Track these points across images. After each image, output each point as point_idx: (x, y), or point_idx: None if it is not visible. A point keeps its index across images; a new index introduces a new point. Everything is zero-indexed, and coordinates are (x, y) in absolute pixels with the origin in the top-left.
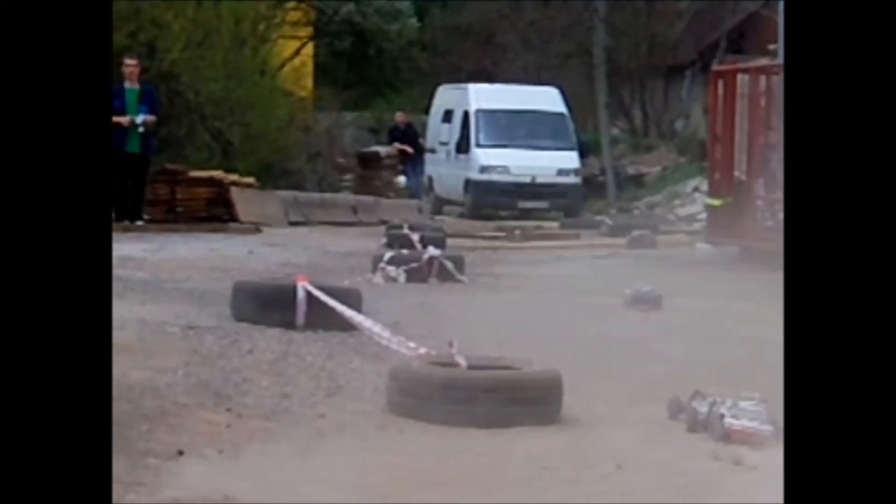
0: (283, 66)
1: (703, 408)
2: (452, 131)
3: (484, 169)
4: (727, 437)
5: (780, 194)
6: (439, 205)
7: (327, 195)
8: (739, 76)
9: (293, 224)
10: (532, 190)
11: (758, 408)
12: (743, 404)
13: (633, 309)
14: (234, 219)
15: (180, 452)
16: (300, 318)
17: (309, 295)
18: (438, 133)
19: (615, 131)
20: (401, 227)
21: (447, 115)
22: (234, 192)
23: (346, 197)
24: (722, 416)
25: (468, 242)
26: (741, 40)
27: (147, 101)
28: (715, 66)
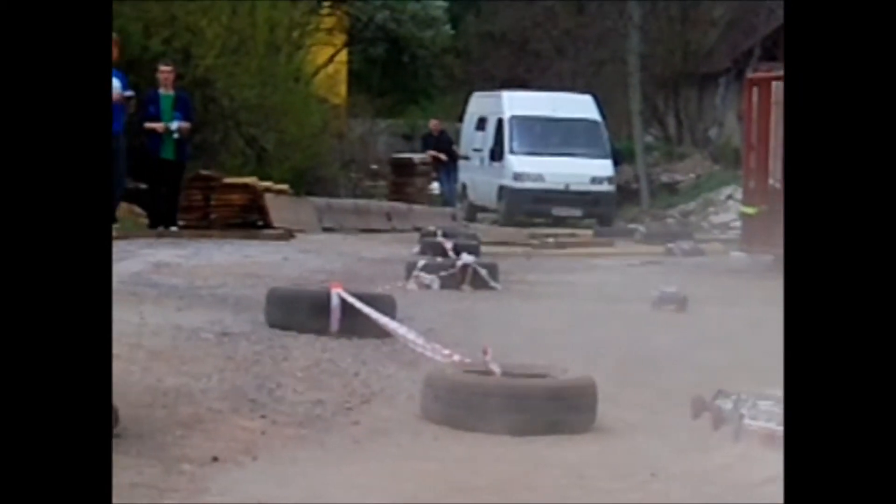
0: (317, 72)
1: (727, 405)
2: (486, 138)
3: (518, 176)
4: (744, 436)
5: None
6: (473, 212)
7: (361, 202)
8: (774, 83)
9: (327, 230)
10: (566, 197)
11: (775, 408)
12: (762, 404)
13: (659, 310)
14: (267, 225)
15: (215, 459)
16: (334, 325)
17: (343, 301)
18: (472, 140)
19: (649, 139)
20: (434, 234)
21: (481, 123)
22: (268, 199)
23: (379, 204)
24: (742, 415)
25: (502, 250)
26: (775, 48)
27: (182, 107)
28: (749, 74)
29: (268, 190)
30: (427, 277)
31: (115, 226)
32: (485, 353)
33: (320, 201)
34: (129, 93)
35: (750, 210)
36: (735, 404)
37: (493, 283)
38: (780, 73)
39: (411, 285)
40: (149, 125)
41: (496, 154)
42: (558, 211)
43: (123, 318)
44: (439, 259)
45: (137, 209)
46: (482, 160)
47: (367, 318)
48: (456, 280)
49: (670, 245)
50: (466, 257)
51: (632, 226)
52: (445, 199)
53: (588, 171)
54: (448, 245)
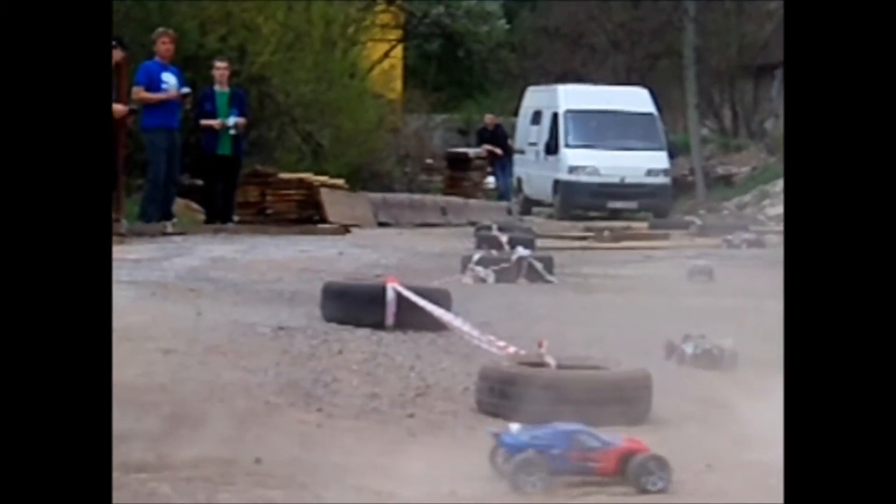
0: (372, 68)
1: (689, 349)
2: (541, 132)
3: (573, 170)
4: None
5: None
6: (528, 206)
7: (416, 196)
8: None
9: (382, 225)
10: (621, 190)
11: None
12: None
13: (692, 281)
14: (323, 220)
15: (257, 461)
16: (390, 319)
17: (398, 295)
18: (527, 134)
19: (705, 131)
20: (490, 227)
21: (536, 117)
22: (324, 194)
23: (434, 198)
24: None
25: (557, 243)
26: None
27: (237, 103)
28: None
29: (323, 185)
30: (482, 271)
31: (172, 221)
32: (540, 345)
33: (376, 196)
34: (185, 90)
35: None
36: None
37: (548, 277)
38: None
39: (466, 279)
40: (205, 122)
41: (551, 148)
42: (613, 204)
43: (180, 313)
44: (494, 253)
45: (195, 205)
46: (537, 154)
47: (422, 311)
48: (511, 273)
49: (730, 237)
50: (521, 251)
51: (687, 218)
52: (501, 194)
53: (643, 163)
54: (503, 239)
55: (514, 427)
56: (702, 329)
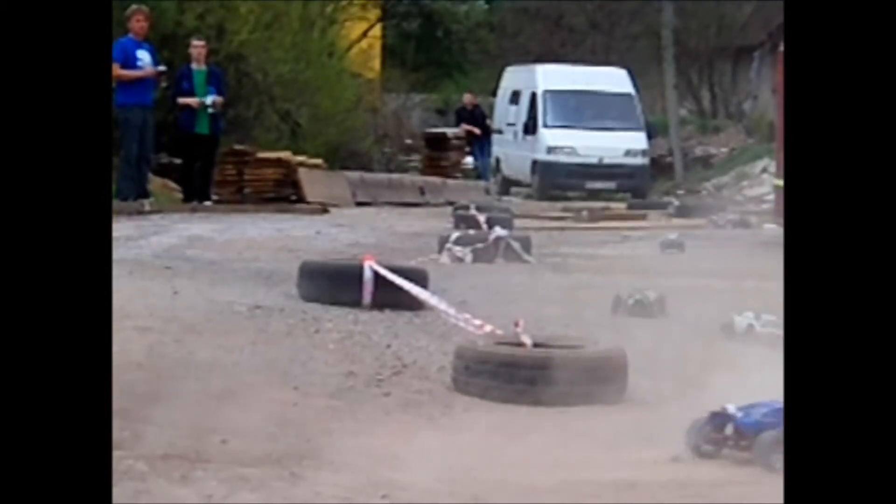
0: (350, 47)
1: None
2: (520, 112)
3: (551, 150)
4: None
5: None
6: (506, 186)
7: (394, 176)
8: None
9: (360, 205)
10: (599, 171)
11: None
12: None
13: (664, 253)
14: (301, 199)
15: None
16: (367, 298)
17: (376, 274)
18: (506, 114)
19: (683, 112)
20: (468, 207)
21: (514, 97)
22: (302, 173)
23: (413, 178)
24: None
25: (535, 223)
26: None
27: (214, 82)
28: (783, 47)
29: (301, 164)
30: (460, 251)
31: (149, 200)
32: (516, 325)
33: (354, 175)
34: (161, 67)
35: (783, 183)
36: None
37: (525, 257)
38: None
39: (444, 258)
40: (183, 100)
41: (530, 128)
42: (592, 184)
43: (157, 291)
44: (472, 232)
45: (172, 184)
46: (516, 134)
47: (399, 290)
48: (489, 253)
49: (715, 217)
50: (499, 231)
51: (665, 199)
52: (479, 174)
53: (622, 144)
54: (481, 218)
55: (731, 407)
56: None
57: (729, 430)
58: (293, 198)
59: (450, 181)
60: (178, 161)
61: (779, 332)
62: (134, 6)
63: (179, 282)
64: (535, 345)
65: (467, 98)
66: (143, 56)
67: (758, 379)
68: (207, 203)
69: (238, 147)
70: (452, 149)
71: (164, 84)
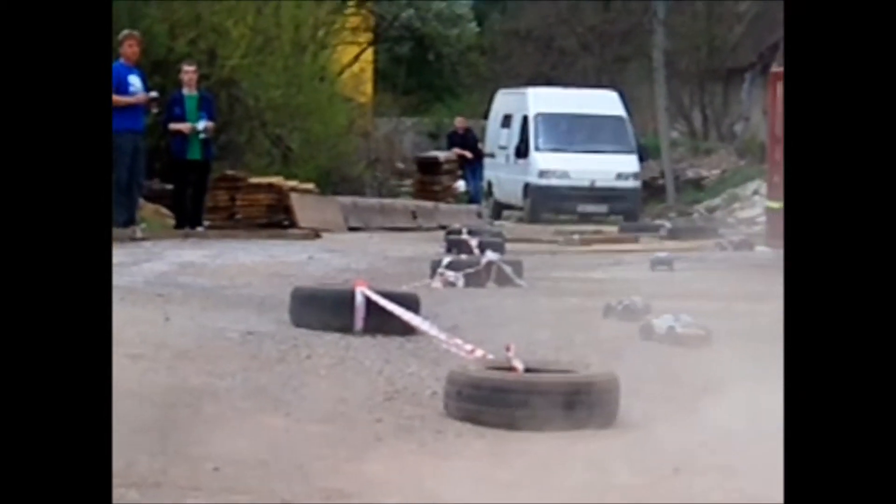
0: (342, 71)
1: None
2: (511, 135)
3: (543, 173)
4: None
5: None
6: (499, 209)
7: (387, 200)
8: None
9: (353, 230)
10: (591, 194)
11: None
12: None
13: (655, 270)
14: (293, 225)
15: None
16: (359, 323)
17: (367, 300)
18: (497, 137)
19: (675, 134)
20: (460, 231)
21: (506, 120)
22: (294, 198)
23: (405, 202)
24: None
25: (527, 247)
26: None
27: (206, 107)
28: (774, 69)
29: (293, 189)
30: (452, 275)
31: (141, 226)
32: (507, 349)
33: (346, 200)
34: (154, 94)
35: (775, 205)
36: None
37: (517, 280)
38: None
39: (436, 283)
40: (175, 126)
41: (521, 151)
42: (584, 207)
43: (149, 318)
44: (464, 257)
45: (164, 210)
46: (507, 157)
47: (391, 315)
48: (481, 277)
49: (719, 240)
50: (491, 254)
51: (657, 221)
52: (471, 197)
53: (613, 167)
54: (473, 242)
55: None
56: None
57: None
58: (285, 223)
59: (442, 205)
60: (169, 187)
61: (699, 332)
62: (125, 31)
63: (171, 308)
64: (527, 369)
65: (459, 122)
66: (135, 81)
67: None
68: (199, 229)
69: (230, 172)
70: (444, 173)
71: (155, 110)
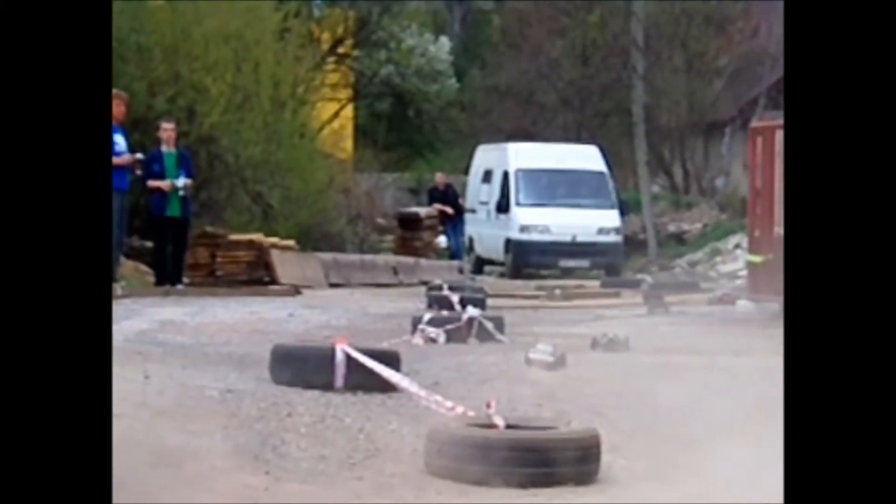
0: (322, 128)
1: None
2: (492, 191)
3: (524, 228)
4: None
5: None
6: (480, 265)
7: (367, 257)
8: (778, 132)
9: (333, 286)
10: (573, 249)
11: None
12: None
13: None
14: (274, 281)
15: None
16: (339, 381)
17: (348, 357)
18: (478, 193)
19: (655, 189)
20: (441, 287)
21: (487, 175)
22: (275, 255)
23: (386, 258)
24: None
25: (509, 302)
26: (780, 96)
27: (184, 164)
28: (754, 123)
29: (274, 246)
30: (433, 331)
31: (120, 284)
32: (488, 406)
33: (327, 257)
34: (139, 155)
35: (756, 259)
36: None
37: (499, 336)
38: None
39: (417, 339)
40: (154, 183)
41: (502, 206)
42: (565, 262)
43: (128, 376)
44: (445, 313)
45: (143, 267)
46: (488, 213)
47: (371, 372)
48: (462, 333)
49: (712, 295)
50: (472, 310)
51: (639, 276)
52: (452, 253)
53: (595, 221)
54: (454, 298)
55: None
56: None
57: None
58: (266, 280)
59: (423, 261)
60: (149, 244)
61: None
62: (112, 90)
63: (151, 366)
64: (508, 426)
65: (439, 177)
66: (120, 140)
67: None
68: (180, 286)
69: (210, 229)
70: (425, 228)
71: (139, 172)
